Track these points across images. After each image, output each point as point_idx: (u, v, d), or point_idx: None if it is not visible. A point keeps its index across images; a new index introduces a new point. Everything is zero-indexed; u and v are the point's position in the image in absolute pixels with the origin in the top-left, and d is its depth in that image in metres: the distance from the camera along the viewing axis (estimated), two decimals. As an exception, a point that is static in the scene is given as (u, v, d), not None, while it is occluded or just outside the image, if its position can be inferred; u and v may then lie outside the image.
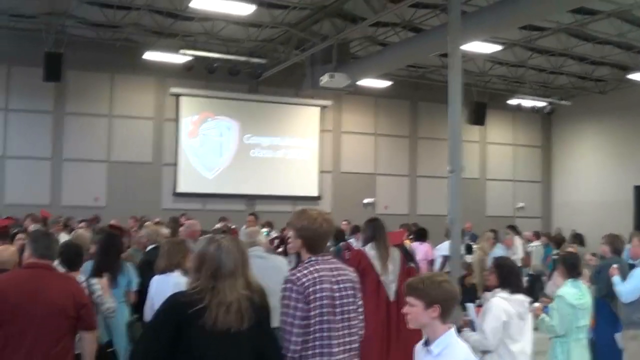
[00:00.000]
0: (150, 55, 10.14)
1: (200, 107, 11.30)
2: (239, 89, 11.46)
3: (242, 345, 1.67)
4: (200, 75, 10.72)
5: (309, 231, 1.87)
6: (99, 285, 2.98)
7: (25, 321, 2.12)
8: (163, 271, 2.85)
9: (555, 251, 6.81)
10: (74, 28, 10.13)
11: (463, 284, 5.26)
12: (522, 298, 2.49)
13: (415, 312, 1.60)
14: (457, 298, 1.67)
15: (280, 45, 10.54)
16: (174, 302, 1.69)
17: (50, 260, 2.32)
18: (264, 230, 7.18)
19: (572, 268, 2.83)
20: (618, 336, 3.64)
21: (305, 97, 11.55)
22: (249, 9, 7.98)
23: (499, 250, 5.81)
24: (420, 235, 6.55)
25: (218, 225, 7.52)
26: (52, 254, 2.32)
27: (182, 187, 11.20)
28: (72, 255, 2.91)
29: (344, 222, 8.23)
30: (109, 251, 3.29)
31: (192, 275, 1.76)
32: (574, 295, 2.74)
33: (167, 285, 2.63)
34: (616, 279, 3.46)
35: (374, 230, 3.41)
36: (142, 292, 3.15)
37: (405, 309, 1.63)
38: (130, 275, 3.42)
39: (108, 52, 10.51)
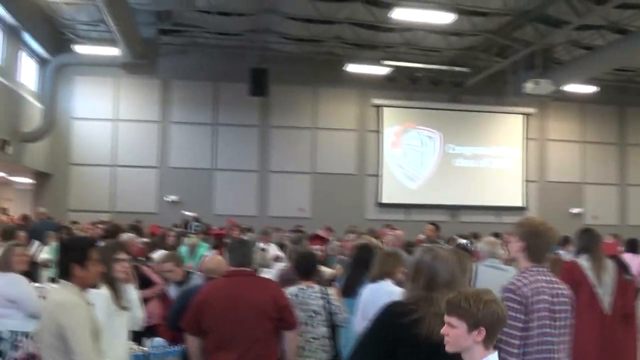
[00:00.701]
0: (352, 68, 15.70)
1: (402, 118, 17.10)
2: (440, 99, 17.12)
3: (458, 358, 2.41)
4: (402, 86, 16.37)
5: (533, 235, 2.99)
6: (335, 294, 4.70)
7: (233, 325, 3.75)
8: (375, 279, 4.53)
9: None
10: (277, 44, 15.81)
11: None
12: None
13: (456, 334, 2.25)
14: (505, 320, 2.29)
15: (482, 53, 16.09)
16: (389, 312, 2.71)
17: (248, 267, 4.00)
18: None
19: None
20: None
21: (509, 105, 17.21)
22: (449, 18, 12.80)
23: None
24: (633, 246, 9.37)
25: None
26: (249, 262, 4.07)
27: (385, 198, 16.58)
28: (306, 265, 4.95)
29: None
30: (361, 263, 5.17)
31: (407, 285, 2.82)
32: None
33: (380, 293, 4.14)
34: None
35: (588, 240, 5.22)
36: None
37: (444, 330, 2.26)
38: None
39: (310, 66, 16.25)
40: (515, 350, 2.79)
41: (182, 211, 14.72)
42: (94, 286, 3.57)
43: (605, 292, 5.37)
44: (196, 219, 13.85)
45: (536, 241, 3.10)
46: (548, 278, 3.04)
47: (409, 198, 17.55)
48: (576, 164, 18.89)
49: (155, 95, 17.17)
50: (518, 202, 17.70)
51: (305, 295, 4.99)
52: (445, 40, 16.07)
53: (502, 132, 18.43)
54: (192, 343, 4.11)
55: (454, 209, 17.62)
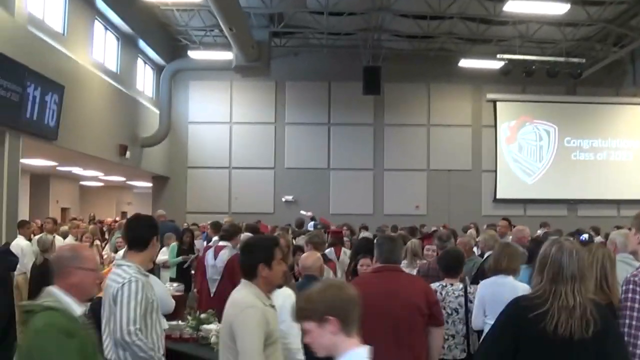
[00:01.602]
0: (465, 63, 19.40)
1: (517, 112, 20.89)
2: (555, 92, 20.77)
3: (585, 352, 3.11)
4: (516, 79, 19.94)
5: None
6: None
7: (386, 319, 4.55)
8: (494, 274, 5.43)
9: None
10: (389, 41, 19.72)
11: None
12: None
13: (313, 336, 2.46)
14: (355, 300, 2.51)
15: (598, 43, 19.58)
16: (516, 306, 3.31)
17: (395, 263, 4.92)
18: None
19: None
20: None
21: (627, 95, 20.77)
22: (563, 8, 15.76)
23: None
24: None
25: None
26: (397, 258, 4.99)
27: (502, 193, 20.35)
28: (451, 262, 5.91)
29: None
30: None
31: (535, 279, 3.38)
32: None
33: (502, 289, 4.99)
34: None
35: None
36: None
37: (305, 339, 2.53)
38: None
39: (423, 63, 20.11)
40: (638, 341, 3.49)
41: (301, 211, 18.33)
42: (280, 286, 4.20)
43: None
44: (312, 218, 16.94)
45: None
46: None
47: (526, 193, 21.25)
48: None
49: (269, 97, 21.34)
50: (639, 195, 20.79)
51: (447, 293, 5.85)
52: (560, 31, 19.25)
53: (620, 124, 21.97)
54: None
55: (572, 203, 21.29)
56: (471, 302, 5.71)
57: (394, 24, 19.01)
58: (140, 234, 4.37)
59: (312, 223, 16.01)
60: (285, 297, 4.45)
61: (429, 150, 21.19)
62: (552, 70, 20.10)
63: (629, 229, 4.80)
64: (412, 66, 20.78)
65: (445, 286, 5.91)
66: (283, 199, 20.82)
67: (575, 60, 20.03)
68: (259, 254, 3.95)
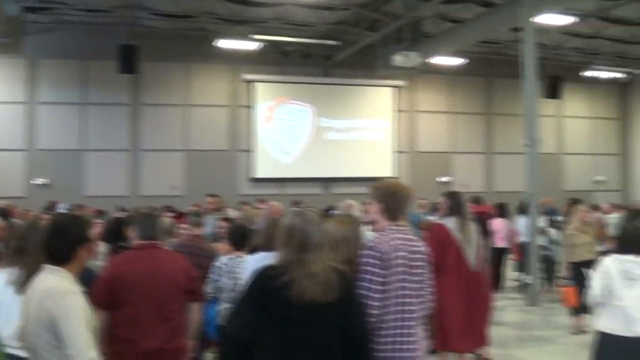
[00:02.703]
0: (223, 43, 25.61)
1: (274, 93, 27.58)
2: (312, 73, 27.79)
3: (328, 317, 4.30)
4: (273, 60, 26.73)
5: (389, 196, 5.11)
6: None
7: (148, 298, 5.86)
8: (258, 250, 6.79)
9: None
10: (147, 19, 25.50)
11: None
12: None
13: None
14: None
15: (352, 27, 26.21)
16: (262, 275, 4.35)
17: (154, 240, 6.18)
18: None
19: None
20: None
21: (379, 77, 27.88)
22: None
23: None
24: (502, 211, 18.24)
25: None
26: (157, 234, 6.25)
27: (259, 173, 27.04)
28: (239, 235, 7.67)
29: (421, 201, 21.85)
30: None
31: (280, 250, 4.49)
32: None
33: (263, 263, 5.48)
34: None
35: (454, 203, 8.86)
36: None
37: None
38: None
39: (181, 42, 26.18)
40: (375, 303, 4.83)
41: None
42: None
43: (471, 251, 8.90)
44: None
45: (392, 201, 5.20)
46: (406, 236, 5.18)
47: (283, 172, 28.00)
48: (445, 135, 30.94)
49: (21, 75, 25.77)
50: (389, 173, 28.72)
51: (234, 264, 7.56)
52: (316, 14, 25.01)
53: (372, 105, 29.59)
54: (102, 317, 5.69)
55: (327, 182, 28.46)
56: None
57: (153, 2, 23.18)
58: None
59: (62, 205, 19.67)
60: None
61: (187, 130, 27.31)
62: (306, 53, 26.74)
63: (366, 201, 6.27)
64: (170, 45, 26.40)
65: (233, 258, 7.72)
66: (35, 182, 25.29)
67: (330, 42, 26.48)
68: (76, 234, 4.44)
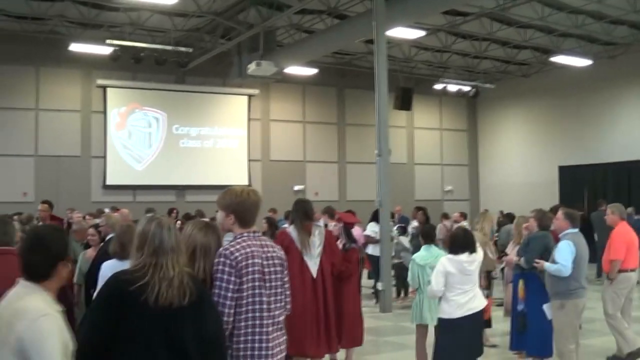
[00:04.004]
0: (75, 47, 25.62)
1: (127, 99, 27.82)
2: (166, 80, 28.17)
3: (183, 320, 4.35)
4: (127, 66, 26.69)
5: (237, 205, 5.20)
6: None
7: None
8: (115, 256, 6.85)
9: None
10: None
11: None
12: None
13: None
14: None
15: (207, 35, 26.85)
16: (116, 280, 4.38)
17: (7, 245, 6.05)
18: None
19: (427, 237, 10.45)
20: (546, 307, 10.00)
21: (233, 86, 28.66)
22: None
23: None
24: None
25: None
26: (10, 240, 6.19)
27: (111, 180, 27.19)
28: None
29: (269, 211, 22.94)
30: None
31: (134, 255, 4.54)
32: (422, 257, 10.15)
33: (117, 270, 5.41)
34: (548, 266, 9.59)
35: (294, 211, 9.61)
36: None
37: None
38: None
39: (33, 45, 25.99)
40: (227, 310, 4.98)
41: None
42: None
43: (312, 258, 9.56)
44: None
45: (241, 208, 5.34)
46: (260, 242, 5.34)
47: (136, 179, 28.29)
48: (298, 143, 31.93)
49: None
50: (243, 181, 29.26)
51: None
52: (171, 20, 25.58)
53: (227, 113, 30.30)
54: None
55: (180, 189, 28.90)
56: None
57: (3, 3, 22.97)
58: None
59: None
60: None
61: (37, 135, 27.20)
62: (160, 59, 26.93)
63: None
64: (20, 48, 26.28)
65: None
66: None
67: (183, 49, 26.80)
68: (58, 248, 4.20)
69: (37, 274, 4.03)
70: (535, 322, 10.41)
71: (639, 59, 27.82)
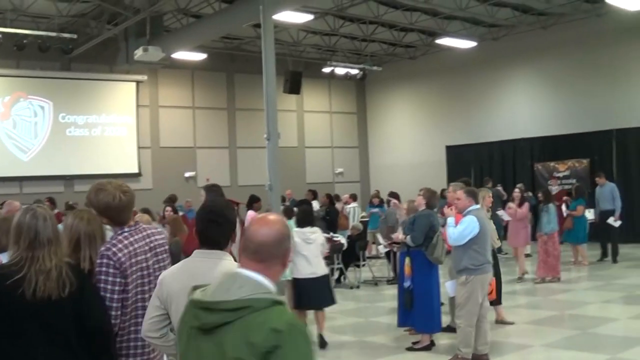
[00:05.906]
0: None
1: (11, 87, 27.41)
2: (50, 67, 27.77)
3: (63, 311, 4.34)
4: (10, 53, 26.29)
5: (111, 210, 5.01)
6: None
7: None
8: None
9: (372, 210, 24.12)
10: None
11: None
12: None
13: None
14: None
15: (92, 20, 26.70)
16: None
17: None
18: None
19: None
20: (449, 284, 11.14)
21: (120, 72, 28.67)
22: None
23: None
24: (250, 202, 20.10)
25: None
26: None
27: None
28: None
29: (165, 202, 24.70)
30: None
31: (11, 248, 4.50)
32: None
33: None
34: (450, 219, 10.40)
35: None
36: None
37: None
38: None
39: None
40: (113, 312, 4.85)
41: None
42: None
43: None
44: None
45: (115, 212, 5.19)
46: (143, 234, 5.23)
47: (21, 170, 27.92)
48: (188, 130, 32.16)
49: None
50: (133, 169, 29.65)
51: None
52: (55, 6, 25.31)
53: (114, 100, 30.24)
54: None
55: (69, 179, 28.71)
56: None
57: None
58: None
59: None
60: None
61: None
62: (44, 46, 26.41)
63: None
64: None
65: None
66: None
67: (67, 35, 26.42)
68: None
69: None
70: (421, 298, 11.48)
71: (522, 40, 28.97)
